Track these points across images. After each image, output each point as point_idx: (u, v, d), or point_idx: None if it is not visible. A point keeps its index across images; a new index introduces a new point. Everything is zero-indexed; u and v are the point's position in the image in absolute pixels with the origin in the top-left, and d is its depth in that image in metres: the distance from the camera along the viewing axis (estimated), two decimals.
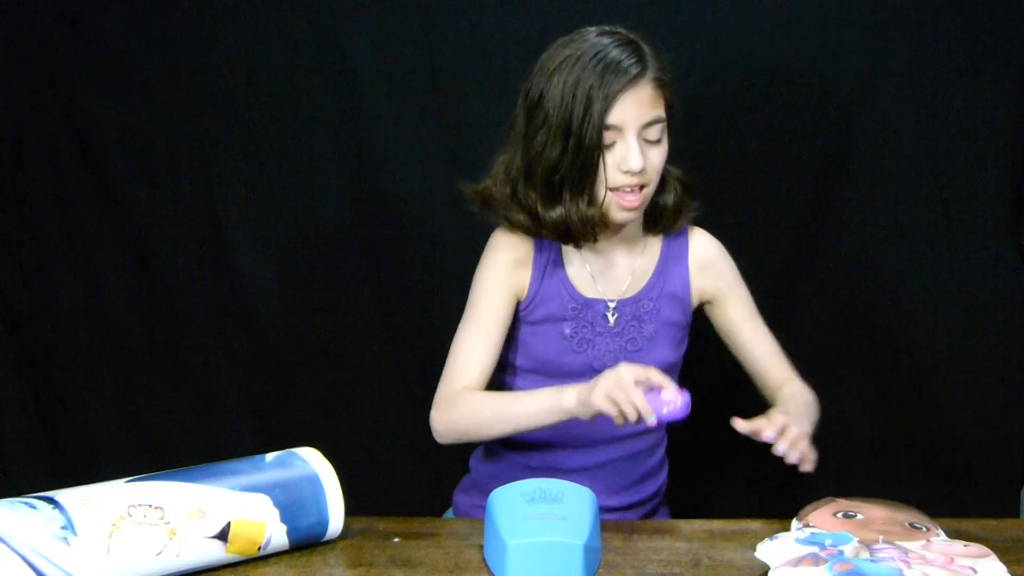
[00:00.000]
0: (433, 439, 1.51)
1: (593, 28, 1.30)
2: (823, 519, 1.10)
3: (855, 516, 1.10)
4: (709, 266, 1.42)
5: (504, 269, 1.36)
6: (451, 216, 1.72)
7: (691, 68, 1.73)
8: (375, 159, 1.79)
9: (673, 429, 1.61)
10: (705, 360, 1.81)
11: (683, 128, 1.73)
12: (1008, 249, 1.73)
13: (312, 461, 1.13)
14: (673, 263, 1.40)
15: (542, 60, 1.29)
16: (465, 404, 1.31)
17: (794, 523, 1.10)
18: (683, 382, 1.82)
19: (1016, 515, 1.79)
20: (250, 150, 1.81)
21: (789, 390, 1.39)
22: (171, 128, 1.81)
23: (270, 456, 1.12)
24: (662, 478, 1.48)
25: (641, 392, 1.15)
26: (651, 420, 1.15)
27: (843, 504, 1.14)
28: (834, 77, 1.71)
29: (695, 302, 1.42)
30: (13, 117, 1.82)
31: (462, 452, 1.55)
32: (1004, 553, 1.10)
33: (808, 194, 1.76)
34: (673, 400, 1.16)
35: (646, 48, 1.28)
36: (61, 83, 1.80)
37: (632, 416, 1.15)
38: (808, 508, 1.13)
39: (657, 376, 1.17)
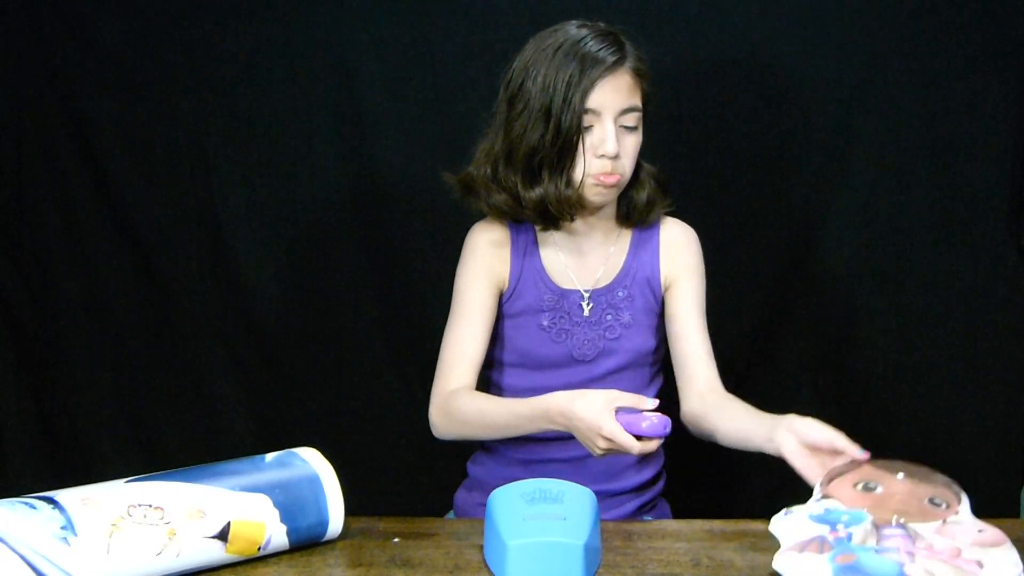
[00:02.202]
0: (433, 438, 1.52)
1: (574, 21, 1.35)
2: (843, 490, 1.08)
3: (875, 489, 1.09)
4: (675, 249, 1.45)
5: (483, 262, 1.42)
6: (452, 216, 1.72)
7: (692, 68, 1.73)
8: (375, 159, 1.79)
9: (675, 430, 1.61)
10: None
11: (683, 128, 1.75)
12: (1008, 249, 1.73)
13: (312, 461, 1.12)
14: (644, 251, 1.44)
15: (524, 50, 1.35)
16: (456, 411, 1.35)
17: (816, 489, 1.09)
18: None
19: (1016, 515, 1.79)
20: (250, 150, 1.81)
21: (739, 403, 1.37)
22: (171, 128, 1.81)
23: (270, 456, 1.12)
24: (658, 465, 1.49)
25: (612, 440, 1.16)
26: (635, 452, 1.16)
27: (867, 472, 1.12)
28: (834, 77, 1.71)
29: (664, 287, 1.44)
30: (13, 117, 1.82)
31: (462, 454, 1.55)
32: None
33: (808, 194, 1.76)
34: (650, 417, 1.16)
35: (625, 40, 1.35)
36: (61, 83, 1.80)
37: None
38: (834, 471, 1.12)
39: (627, 399, 1.18)
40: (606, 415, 1.16)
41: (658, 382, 1.47)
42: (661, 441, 1.17)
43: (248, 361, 1.87)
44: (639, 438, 1.16)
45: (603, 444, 1.17)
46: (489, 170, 1.39)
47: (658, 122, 1.73)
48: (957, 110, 1.70)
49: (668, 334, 1.45)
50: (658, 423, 1.16)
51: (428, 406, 1.52)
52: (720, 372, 1.80)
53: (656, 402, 1.18)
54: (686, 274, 1.44)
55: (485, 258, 1.42)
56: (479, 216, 1.46)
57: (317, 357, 1.86)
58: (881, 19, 1.69)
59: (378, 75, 1.77)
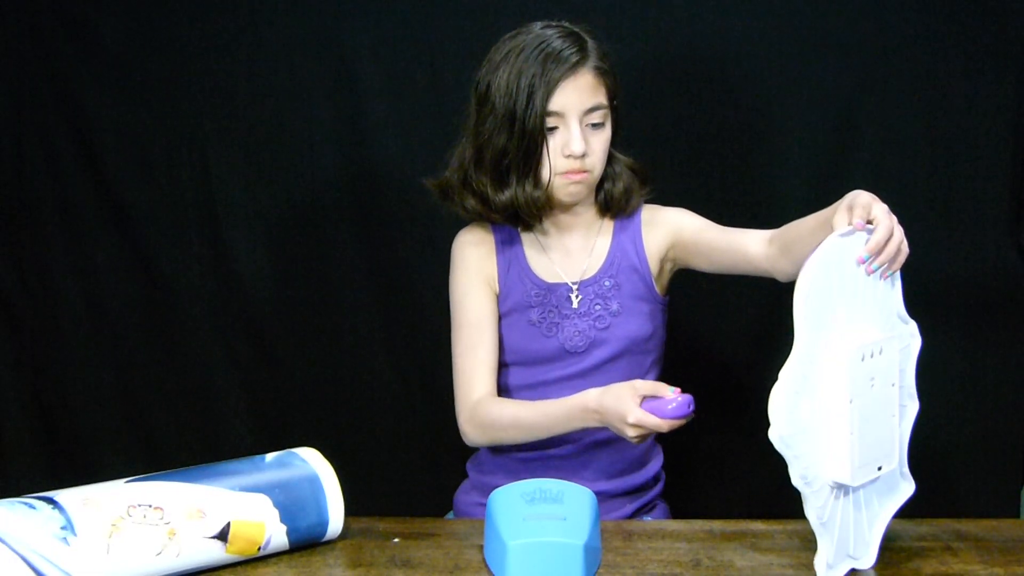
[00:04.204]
0: (433, 439, 1.53)
1: (539, 22, 1.37)
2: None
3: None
4: (651, 223, 1.45)
5: (473, 268, 1.44)
6: (451, 216, 1.72)
7: (691, 69, 1.73)
8: (375, 159, 1.79)
9: (674, 430, 1.61)
10: (706, 361, 1.82)
11: (683, 128, 1.75)
12: (1008, 249, 1.73)
13: (312, 461, 1.13)
14: (626, 238, 1.45)
15: (490, 54, 1.37)
16: (489, 419, 1.38)
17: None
18: (684, 383, 1.82)
19: (1016, 515, 1.79)
20: (250, 150, 1.81)
21: (790, 223, 1.29)
22: (170, 128, 1.81)
23: (270, 456, 1.12)
24: (656, 466, 1.50)
25: (640, 426, 1.21)
26: (664, 429, 1.21)
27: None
28: (834, 77, 1.71)
29: (656, 268, 1.44)
30: (13, 117, 1.82)
31: (461, 455, 1.55)
32: (1004, 553, 1.10)
33: (808, 194, 1.75)
34: (674, 398, 1.20)
35: (588, 39, 1.35)
36: (61, 83, 1.80)
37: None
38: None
39: (648, 387, 1.23)
40: (631, 405, 1.21)
41: (656, 371, 1.47)
42: (688, 418, 1.20)
43: (248, 361, 1.87)
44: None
45: (632, 432, 1.22)
46: (461, 176, 1.41)
47: (659, 123, 1.75)
48: (957, 110, 1.70)
49: (708, 255, 1.40)
50: (682, 402, 1.20)
51: (428, 406, 1.54)
52: (720, 373, 1.80)
53: (677, 389, 1.21)
54: (678, 221, 1.43)
55: (474, 264, 1.45)
56: (441, 208, 1.48)
57: (317, 357, 1.86)
58: (881, 19, 1.69)
59: (378, 75, 1.77)
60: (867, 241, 1.04)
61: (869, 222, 1.05)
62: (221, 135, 1.81)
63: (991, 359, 1.76)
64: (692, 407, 1.20)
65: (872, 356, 1.03)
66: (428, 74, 1.76)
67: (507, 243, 1.45)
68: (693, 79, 1.73)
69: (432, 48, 1.75)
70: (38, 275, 1.86)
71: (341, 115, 1.79)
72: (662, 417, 1.20)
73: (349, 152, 1.80)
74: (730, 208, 1.75)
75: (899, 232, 1.05)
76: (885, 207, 1.06)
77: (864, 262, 1.04)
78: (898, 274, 1.08)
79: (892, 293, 1.09)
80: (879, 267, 1.05)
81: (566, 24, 1.37)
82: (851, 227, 1.03)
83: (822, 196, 1.75)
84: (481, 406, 1.38)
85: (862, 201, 1.06)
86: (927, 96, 1.70)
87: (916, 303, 1.77)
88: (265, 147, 1.81)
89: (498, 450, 1.46)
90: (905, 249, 1.06)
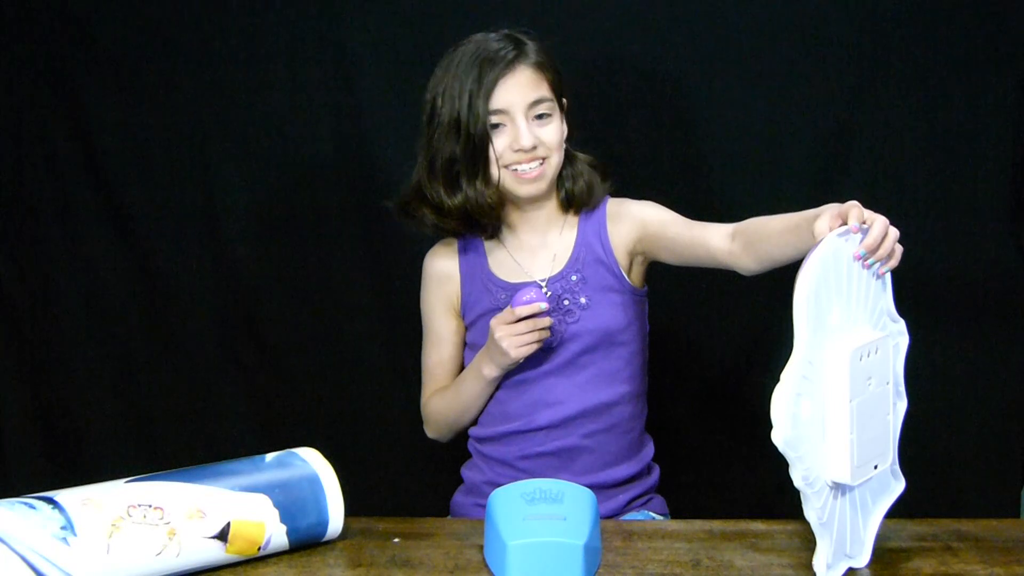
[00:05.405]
0: (433, 440, 1.53)
1: (478, 33, 1.42)
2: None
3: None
4: (617, 216, 1.46)
5: (436, 292, 1.52)
6: None
7: (691, 68, 1.73)
8: (375, 158, 1.79)
9: (674, 430, 1.61)
10: (704, 362, 1.82)
11: (682, 128, 1.75)
12: (1008, 249, 1.73)
13: (312, 461, 1.13)
14: (591, 232, 1.46)
15: (435, 71, 1.42)
16: (432, 414, 1.54)
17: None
18: (683, 383, 1.83)
19: (1016, 515, 1.79)
20: (250, 150, 1.81)
21: (755, 219, 1.28)
22: (170, 128, 1.81)
23: (270, 456, 1.12)
24: (647, 455, 1.50)
25: (522, 324, 1.35)
26: (543, 307, 1.34)
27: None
28: (834, 77, 1.71)
29: (625, 260, 1.45)
30: (13, 117, 1.82)
31: (459, 457, 1.55)
32: (1004, 553, 1.10)
33: (808, 194, 1.75)
34: (527, 291, 1.35)
35: (524, 39, 1.40)
36: (61, 83, 1.80)
37: (543, 335, 1.36)
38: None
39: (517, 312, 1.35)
40: (493, 321, 1.37)
41: (638, 362, 1.47)
42: (540, 301, 1.34)
43: (248, 361, 1.87)
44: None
45: (503, 336, 1.34)
46: (416, 188, 1.44)
47: (659, 123, 1.75)
48: (957, 110, 1.70)
49: (672, 248, 1.41)
50: (534, 295, 1.34)
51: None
52: (720, 372, 1.80)
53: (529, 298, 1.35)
54: (641, 214, 1.44)
55: (435, 287, 1.52)
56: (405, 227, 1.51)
57: (317, 357, 1.86)
58: (881, 18, 1.69)
59: (378, 75, 1.77)
60: (862, 239, 1.04)
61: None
62: (221, 135, 1.81)
63: (991, 359, 1.76)
64: (537, 294, 1.33)
65: (869, 356, 1.03)
66: (428, 74, 1.75)
67: (472, 255, 1.49)
68: (692, 78, 1.73)
69: (432, 48, 1.74)
70: (38, 275, 1.86)
71: (341, 115, 1.79)
72: (513, 307, 1.33)
73: (349, 152, 1.80)
74: (731, 208, 1.75)
75: (894, 231, 1.06)
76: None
77: (860, 258, 1.04)
78: (888, 274, 1.09)
79: (883, 292, 1.09)
80: (875, 262, 1.05)
81: (505, 30, 1.41)
82: (847, 228, 1.03)
83: (822, 196, 1.74)
84: (425, 408, 1.54)
85: (854, 203, 1.06)
86: (927, 96, 1.70)
87: (916, 303, 1.77)
88: (265, 146, 1.81)
89: (487, 453, 1.48)
90: (899, 248, 1.06)
